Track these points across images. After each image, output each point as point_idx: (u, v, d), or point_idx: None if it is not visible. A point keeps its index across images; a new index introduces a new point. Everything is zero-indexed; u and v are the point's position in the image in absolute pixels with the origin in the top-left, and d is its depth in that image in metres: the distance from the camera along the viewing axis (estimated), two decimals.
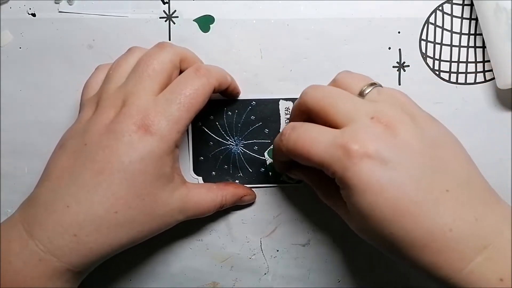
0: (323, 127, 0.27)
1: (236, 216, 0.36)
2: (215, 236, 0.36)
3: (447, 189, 0.25)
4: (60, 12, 0.35)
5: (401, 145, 0.25)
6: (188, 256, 0.36)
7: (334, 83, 0.29)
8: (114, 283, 0.36)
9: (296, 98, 0.35)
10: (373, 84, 0.28)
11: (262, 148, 0.35)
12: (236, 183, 0.35)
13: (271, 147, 0.35)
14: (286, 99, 0.35)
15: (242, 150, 0.35)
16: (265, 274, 0.36)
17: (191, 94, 0.29)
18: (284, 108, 0.35)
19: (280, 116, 0.35)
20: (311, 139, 0.26)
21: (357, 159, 0.24)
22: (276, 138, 0.30)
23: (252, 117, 0.35)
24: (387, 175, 0.24)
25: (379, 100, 0.27)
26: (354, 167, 0.24)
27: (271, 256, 0.36)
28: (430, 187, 0.24)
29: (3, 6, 0.35)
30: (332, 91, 0.28)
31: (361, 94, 0.28)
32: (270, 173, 0.35)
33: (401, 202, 0.24)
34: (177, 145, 0.29)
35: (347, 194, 0.26)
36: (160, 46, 0.30)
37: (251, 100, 0.35)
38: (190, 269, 0.36)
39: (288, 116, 0.35)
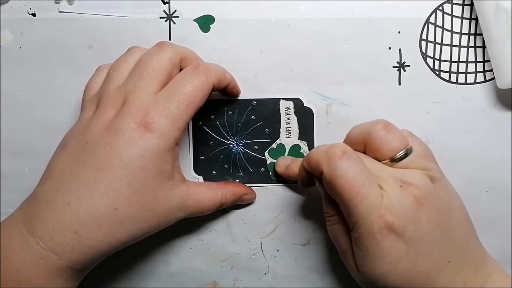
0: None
1: (236, 216, 0.36)
2: (215, 236, 0.36)
3: (449, 261, 0.27)
4: (60, 12, 0.35)
5: (423, 221, 0.26)
6: (188, 256, 0.36)
7: (370, 139, 0.29)
8: (115, 282, 0.36)
9: (297, 98, 0.35)
10: (406, 149, 0.29)
11: (262, 148, 0.35)
12: (236, 182, 0.35)
13: (272, 146, 0.35)
14: (287, 99, 0.35)
15: (243, 149, 0.35)
16: (265, 274, 0.36)
17: (190, 91, 0.29)
18: (285, 108, 0.35)
19: (280, 116, 0.35)
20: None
21: (384, 230, 0.26)
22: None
23: (253, 117, 0.35)
24: (404, 249, 0.26)
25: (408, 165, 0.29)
26: (379, 236, 0.26)
27: (271, 256, 0.36)
28: (437, 259, 0.27)
29: (3, 6, 0.35)
30: (363, 172, 0.27)
31: (393, 161, 0.29)
32: (270, 172, 0.35)
33: (411, 273, 0.27)
34: (177, 143, 0.29)
35: (362, 254, 0.27)
36: (160, 45, 0.31)
37: (252, 100, 0.35)
38: (190, 269, 0.36)
39: (289, 116, 0.35)
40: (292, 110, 0.35)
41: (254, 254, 0.36)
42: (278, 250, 0.36)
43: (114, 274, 0.36)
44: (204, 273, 0.36)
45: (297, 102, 0.35)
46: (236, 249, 0.36)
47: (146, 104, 0.28)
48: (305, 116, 0.35)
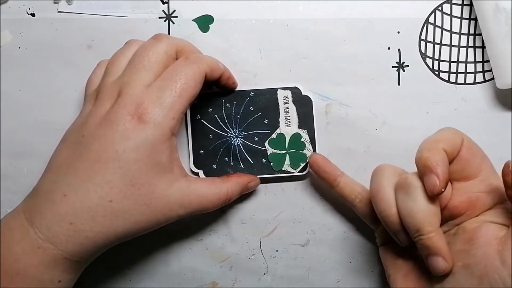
0: None
1: (235, 216, 0.36)
2: (215, 236, 0.36)
3: None
4: (59, 12, 0.35)
5: None
6: (187, 256, 0.36)
7: None
8: (114, 282, 0.36)
9: (294, 87, 0.34)
10: None
11: (262, 139, 0.35)
12: (238, 173, 0.35)
13: (272, 136, 0.35)
14: (284, 88, 0.35)
15: (242, 141, 0.35)
16: (264, 274, 0.36)
17: (181, 79, 0.29)
18: (283, 97, 0.34)
19: (279, 106, 0.35)
20: None
21: None
22: None
23: (251, 108, 0.35)
24: None
25: None
26: None
27: (271, 256, 0.36)
28: None
29: (2, 6, 0.35)
30: None
31: None
32: (272, 163, 0.35)
33: None
34: (173, 133, 0.29)
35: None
36: (156, 37, 0.31)
37: (249, 91, 0.35)
38: (190, 269, 0.36)
39: (287, 105, 0.34)
40: (290, 99, 0.35)
41: (253, 254, 0.36)
42: (277, 251, 0.36)
43: (113, 274, 0.36)
44: (203, 273, 0.36)
45: (295, 91, 0.34)
46: (235, 250, 0.36)
47: (140, 95, 0.28)
48: (303, 104, 0.34)
